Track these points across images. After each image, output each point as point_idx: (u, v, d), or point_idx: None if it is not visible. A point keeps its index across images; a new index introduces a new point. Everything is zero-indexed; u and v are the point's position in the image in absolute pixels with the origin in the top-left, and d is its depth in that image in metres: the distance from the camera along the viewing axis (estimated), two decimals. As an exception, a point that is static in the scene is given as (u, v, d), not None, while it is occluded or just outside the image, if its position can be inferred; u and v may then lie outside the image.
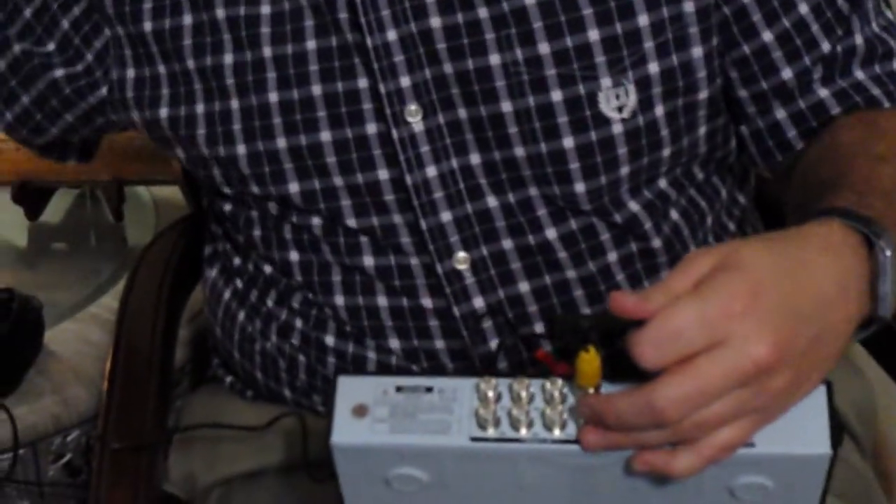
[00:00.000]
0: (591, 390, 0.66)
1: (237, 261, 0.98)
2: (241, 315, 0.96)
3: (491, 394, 0.68)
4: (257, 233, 0.91)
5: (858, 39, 0.88)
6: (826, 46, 0.87)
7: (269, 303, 0.95)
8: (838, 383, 0.75)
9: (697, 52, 0.86)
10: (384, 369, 0.91)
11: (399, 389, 0.70)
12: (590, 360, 0.66)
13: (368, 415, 0.69)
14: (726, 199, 0.93)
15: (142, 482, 0.91)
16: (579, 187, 0.85)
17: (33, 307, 1.12)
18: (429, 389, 0.70)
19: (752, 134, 0.90)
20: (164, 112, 0.88)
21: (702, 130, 0.89)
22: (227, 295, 0.97)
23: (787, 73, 0.88)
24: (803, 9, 0.86)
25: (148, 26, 0.88)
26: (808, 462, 0.67)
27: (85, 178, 1.36)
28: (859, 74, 0.87)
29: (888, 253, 0.68)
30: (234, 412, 0.97)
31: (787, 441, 0.66)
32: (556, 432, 0.67)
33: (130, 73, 0.90)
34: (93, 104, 0.93)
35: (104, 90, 0.91)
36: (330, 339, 0.92)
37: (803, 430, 0.66)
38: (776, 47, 0.87)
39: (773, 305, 0.62)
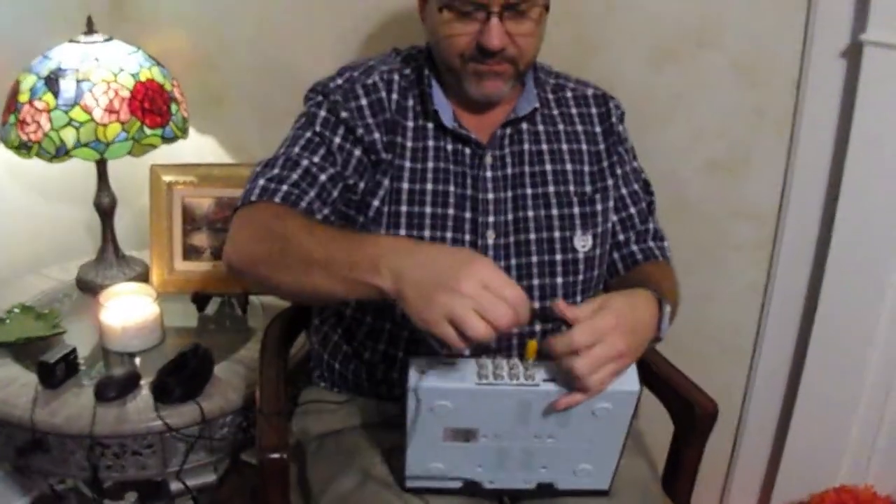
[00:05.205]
0: (531, 360, 0.89)
1: (340, 320, 1.25)
2: (344, 346, 1.27)
3: (484, 362, 0.90)
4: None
5: (651, 226, 1.32)
6: (640, 227, 1.30)
7: (360, 337, 1.23)
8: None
9: (610, 225, 1.25)
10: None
11: (440, 363, 0.91)
12: (533, 346, 0.91)
13: (426, 374, 0.88)
14: None
15: (281, 432, 1.15)
16: (559, 280, 1.19)
17: (208, 353, 1.57)
18: (454, 363, 0.91)
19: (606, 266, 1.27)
20: (404, 208, 1.17)
21: (604, 268, 1.26)
22: (334, 337, 1.29)
23: (621, 237, 1.29)
24: (633, 210, 1.29)
25: (405, 185, 1.17)
26: (630, 394, 0.91)
27: (227, 290, 1.73)
28: (651, 243, 1.31)
29: (668, 310, 1.06)
30: (327, 398, 1.30)
31: (620, 384, 0.91)
32: (514, 381, 0.88)
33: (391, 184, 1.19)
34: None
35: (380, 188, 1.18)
36: (398, 353, 1.20)
37: (628, 380, 0.91)
38: (617, 224, 1.28)
39: (626, 326, 0.93)
